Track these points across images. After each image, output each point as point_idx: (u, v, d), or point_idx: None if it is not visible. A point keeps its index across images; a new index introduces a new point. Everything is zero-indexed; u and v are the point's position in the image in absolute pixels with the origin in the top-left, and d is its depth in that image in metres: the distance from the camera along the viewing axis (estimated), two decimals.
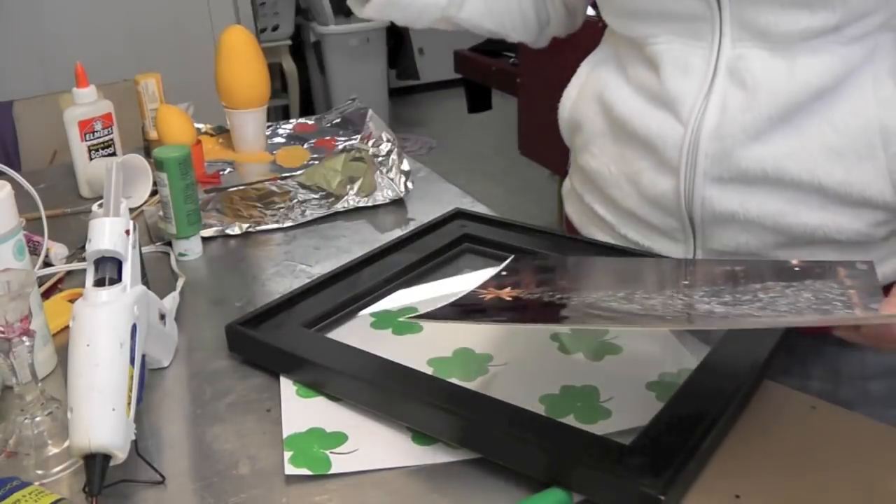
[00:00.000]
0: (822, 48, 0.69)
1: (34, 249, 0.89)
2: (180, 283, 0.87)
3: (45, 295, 0.85)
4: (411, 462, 0.59)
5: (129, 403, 0.57)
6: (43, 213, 0.86)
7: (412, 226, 0.99)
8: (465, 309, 0.62)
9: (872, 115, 0.69)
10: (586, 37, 0.95)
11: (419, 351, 0.70)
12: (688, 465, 0.53)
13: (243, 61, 1.20)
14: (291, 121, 1.34)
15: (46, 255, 0.91)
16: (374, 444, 0.61)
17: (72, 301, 0.82)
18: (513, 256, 0.76)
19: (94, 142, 1.14)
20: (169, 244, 0.96)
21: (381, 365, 0.66)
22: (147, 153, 1.19)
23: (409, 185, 1.08)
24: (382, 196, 1.06)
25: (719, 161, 0.72)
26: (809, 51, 0.69)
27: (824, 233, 0.71)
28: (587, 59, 0.89)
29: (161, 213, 0.94)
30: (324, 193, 1.05)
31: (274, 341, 0.70)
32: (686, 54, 0.74)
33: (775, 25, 0.69)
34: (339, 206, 1.04)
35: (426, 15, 0.90)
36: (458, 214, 0.93)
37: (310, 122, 1.33)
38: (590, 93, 0.85)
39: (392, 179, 1.08)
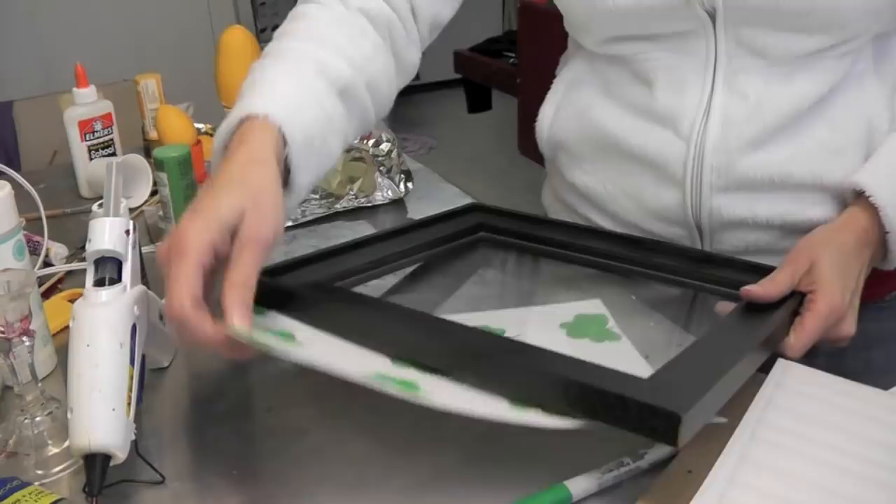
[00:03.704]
0: (817, 64, 0.70)
1: (34, 249, 0.89)
2: None
3: (45, 295, 0.85)
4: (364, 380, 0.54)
5: (129, 403, 0.57)
6: (43, 213, 0.86)
7: None
8: None
9: (861, 109, 0.72)
10: None
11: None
12: (706, 392, 0.52)
13: (243, 61, 1.20)
14: None
15: (46, 255, 0.91)
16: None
17: (72, 301, 0.82)
18: None
19: (94, 142, 1.14)
20: None
21: (395, 310, 0.66)
22: (147, 153, 1.18)
23: (409, 185, 1.08)
24: (382, 196, 1.06)
25: (725, 173, 0.73)
26: (806, 66, 0.71)
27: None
28: (561, 76, 0.88)
29: (161, 213, 0.94)
30: (324, 193, 1.05)
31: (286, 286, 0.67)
32: (679, 70, 0.73)
33: (773, 47, 0.70)
34: (339, 206, 1.04)
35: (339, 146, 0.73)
36: (473, 208, 0.91)
37: None
38: (571, 111, 0.84)
39: (392, 179, 1.08)
